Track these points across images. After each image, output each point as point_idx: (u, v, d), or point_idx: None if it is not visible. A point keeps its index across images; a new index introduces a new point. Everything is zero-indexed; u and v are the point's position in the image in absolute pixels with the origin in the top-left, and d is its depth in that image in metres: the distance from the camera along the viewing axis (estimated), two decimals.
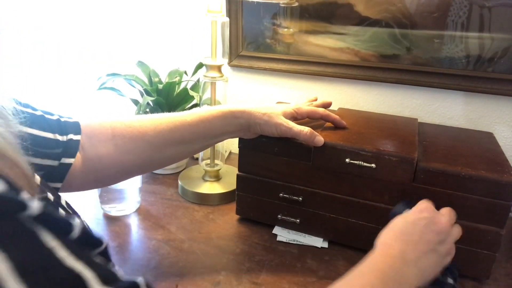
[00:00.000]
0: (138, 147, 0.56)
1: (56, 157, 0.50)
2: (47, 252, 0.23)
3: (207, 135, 0.61)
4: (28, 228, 0.22)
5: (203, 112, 0.60)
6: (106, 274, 0.25)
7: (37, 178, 0.37)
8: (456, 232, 0.50)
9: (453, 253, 0.49)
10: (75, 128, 0.53)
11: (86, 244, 0.28)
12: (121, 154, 0.55)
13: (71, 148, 0.51)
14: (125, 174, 0.60)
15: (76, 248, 0.24)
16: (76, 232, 0.26)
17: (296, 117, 0.66)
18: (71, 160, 0.51)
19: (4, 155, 0.28)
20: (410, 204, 0.53)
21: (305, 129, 0.61)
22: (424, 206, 0.50)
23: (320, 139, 0.61)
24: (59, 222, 0.25)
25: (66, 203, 0.40)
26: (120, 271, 0.28)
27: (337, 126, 0.68)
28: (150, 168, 0.64)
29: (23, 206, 0.23)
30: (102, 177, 0.57)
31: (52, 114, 0.52)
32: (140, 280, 0.27)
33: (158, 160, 0.60)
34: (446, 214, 0.50)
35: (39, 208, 0.23)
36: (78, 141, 0.52)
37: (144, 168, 0.62)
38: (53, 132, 0.50)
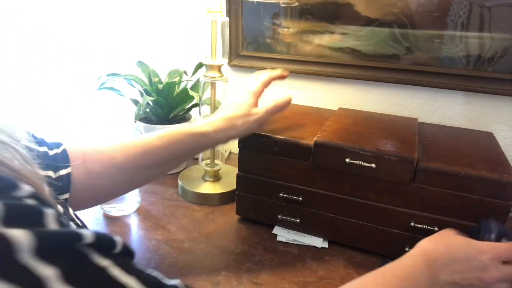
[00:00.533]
0: (108, 171, 0.55)
1: None
2: (102, 273, 0.25)
3: (179, 155, 0.60)
4: (85, 256, 0.25)
5: (174, 133, 0.58)
6: (153, 284, 0.29)
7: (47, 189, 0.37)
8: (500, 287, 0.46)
9: None
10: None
11: (126, 255, 0.30)
12: (92, 179, 0.53)
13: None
14: (99, 198, 0.58)
15: (124, 263, 0.27)
16: (118, 247, 0.28)
17: (260, 95, 0.66)
18: None
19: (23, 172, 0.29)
20: (502, 229, 0.51)
21: (270, 106, 0.62)
22: (491, 252, 0.47)
23: (286, 98, 0.64)
24: (106, 240, 0.27)
25: (75, 214, 0.40)
26: (159, 274, 0.31)
27: (283, 77, 0.68)
28: (123, 191, 0.62)
29: (79, 237, 0.25)
30: (76, 201, 0.54)
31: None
32: (178, 283, 0.31)
33: (130, 184, 0.59)
34: (502, 271, 0.46)
35: (91, 236, 0.25)
36: None
37: (117, 192, 0.60)
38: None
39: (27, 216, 0.24)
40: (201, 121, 0.61)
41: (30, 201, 0.25)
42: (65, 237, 0.24)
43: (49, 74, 1.15)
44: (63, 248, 0.24)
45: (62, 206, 0.37)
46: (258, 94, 0.64)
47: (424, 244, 0.48)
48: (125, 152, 0.56)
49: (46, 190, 0.31)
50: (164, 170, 0.62)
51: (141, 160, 0.56)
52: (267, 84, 0.66)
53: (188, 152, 0.61)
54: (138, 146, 0.57)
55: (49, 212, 0.25)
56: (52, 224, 0.25)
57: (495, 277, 0.46)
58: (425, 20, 0.78)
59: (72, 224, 0.34)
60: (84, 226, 0.39)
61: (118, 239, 0.28)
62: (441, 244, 0.47)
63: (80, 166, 0.53)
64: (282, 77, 0.68)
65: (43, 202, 0.26)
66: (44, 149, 0.50)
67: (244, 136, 0.65)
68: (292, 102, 0.90)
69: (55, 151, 0.51)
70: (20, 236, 0.22)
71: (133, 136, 0.59)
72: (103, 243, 0.27)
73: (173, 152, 0.58)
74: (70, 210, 0.39)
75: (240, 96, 0.64)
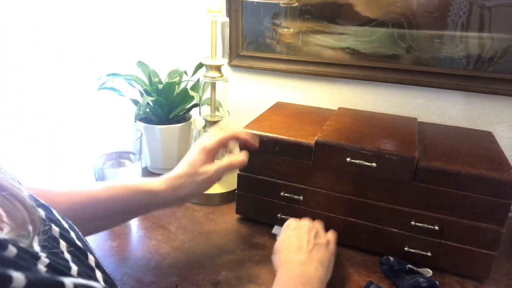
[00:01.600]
0: None
1: None
2: None
3: (124, 211, 0.56)
4: None
5: (120, 187, 0.55)
6: None
7: (41, 212, 0.34)
8: (330, 234, 0.60)
9: (332, 240, 0.59)
10: None
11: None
12: None
13: None
14: None
15: None
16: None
17: (215, 152, 0.61)
18: None
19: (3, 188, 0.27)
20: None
21: (223, 165, 0.59)
22: (290, 222, 0.61)
23: (241, 158, 0.61)
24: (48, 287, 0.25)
25: (77, 235, 0.37)
26: None
27: (249, 148, 0.63)
28: None
29: (7, 280, 0.23)
30: None
31: None
32: None
33: None
34: (306, 220, 0.61)
35: (24, 281, 0.23)
36: None
37: None
38: None
39: None
40: (152, 178, 0.57)
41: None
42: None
43: (49, 74, 1.15)
44: None
45: (61, 229, 0.35)
46: (212, 152, 0.60)
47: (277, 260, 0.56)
48: (68, 200, 0.52)
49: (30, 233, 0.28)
50: (109, 224, 0.58)
51: (84, 210, 0.53)
52: (223, 143, 0.61)
53: (134, 209, 0.57)
54: (83, 195, 0.53)
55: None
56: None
57: (306, 222, 0.60)
58: (425, 20, 0.78)
59: (66, 254, 0.32)
60: (84, 253, 0.36)
61: (68, 282, 0.26)
62: (279, 251, 0.56)
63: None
64: (247, 142, 0.64)
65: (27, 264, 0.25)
66: None
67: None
68: (292, 102, 0.90)
69: None
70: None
71: (80, 184, 0.56)
72: None
73: (118, 206, 0.55)
74: (73, 234, 0.37)
75: (191, 152, 0.60)
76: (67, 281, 0.26)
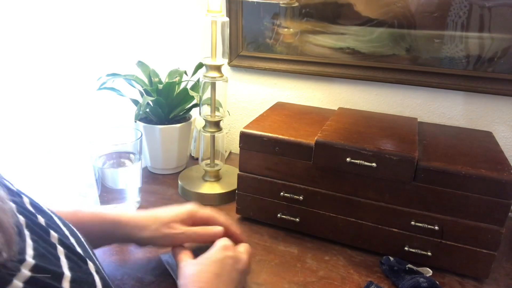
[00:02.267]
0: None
1: None
2: None
3: (90, 238, 0.52)
4: None
5: (87, 214, 0.54)
6: None
7: (41, 219, 0.34)
8: (244, 254, 0.54)
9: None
10: None
11: None
12: None
13: None
14: None
15: None
16: None
17: (192, 222, 0.58)
18: None
19: None
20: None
21: (198, 228, 0.57)
22: (225, 244, 0.53)
23: (219, 229, 0.57)
24: None
25: (78, 241, 0.37)
26: None
27: (237, 240, 0.59)
28: None
29: None
30: None
31: None
32: None
33: None
34: (246, 251, 0.55)
35: None
36: None
37: None
38: None
39: None
40: (127, 210, 0.56)
41: None
42: None
43: (49, 74, 1.15)
44: None
45: (56, 233, 0.34)
46: (197, 221, 0.58)
47: (187, 280, 0.48)
48: None
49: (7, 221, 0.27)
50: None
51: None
52: (208, 218, 0.59)
53: (99, 237, 0.55)
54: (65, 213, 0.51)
55: None
56: None
57: (247, 258, 0.54)
58: (425, 20, 0.78)
59: (62, 258, 0.32)
60: (83, 259, 0.35)
61: None
62: (198, 271, 0.49)
63: None
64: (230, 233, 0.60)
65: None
66: None
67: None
68: (292, 102, 0.90)
69: None
70: None
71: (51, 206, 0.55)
72: None
73: (83, 232, 0.52)
74: (72, 239, 0.36)
75: (181, 206, 0.59)
76: None
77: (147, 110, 0.87)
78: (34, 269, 0.27)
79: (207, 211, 0.60)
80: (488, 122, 0.81)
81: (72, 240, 0.36)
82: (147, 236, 0.55)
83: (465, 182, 0.56)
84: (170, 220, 0.56)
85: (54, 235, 0.34)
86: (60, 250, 0.33)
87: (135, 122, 0.87)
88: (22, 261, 0.27)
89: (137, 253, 0.63)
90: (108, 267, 0.60)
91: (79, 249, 0.36)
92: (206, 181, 0.83)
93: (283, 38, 0.91)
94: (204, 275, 0.48)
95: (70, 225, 0.39)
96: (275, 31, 0.91)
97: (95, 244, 0.56)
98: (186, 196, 0.80)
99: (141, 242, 0.57)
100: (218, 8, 0.73)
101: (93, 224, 0.54)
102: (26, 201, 0.35)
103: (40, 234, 0.32)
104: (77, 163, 0.93)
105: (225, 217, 0.60)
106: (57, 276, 0.30)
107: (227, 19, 0.76)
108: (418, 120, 0.76)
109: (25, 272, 0.27)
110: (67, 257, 0.33)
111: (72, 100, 1.14)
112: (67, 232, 0.37)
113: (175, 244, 0.57)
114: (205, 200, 0.78)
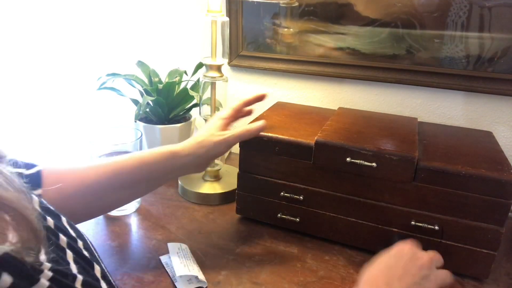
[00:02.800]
0: (79, 192, 0.54)
1: None
2: None
3: (149, 177, 0.59)
4: None
5: (144, 154, 0.59)
6: None
7: (50, 221, 0.34)
8: (444, 274, 0.49)
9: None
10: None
11: None
12: (64, 200, 0.52)
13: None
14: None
15: None
16: None
17: (231, 120, 0.66)
18: None
19: (10, 206, 0.27)
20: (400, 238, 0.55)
21: (239, 130, 0.62)
22: (407, 244, 0.51)
23: (262, 122, 0.63)
24: None
25: (85, 244, 0.37)
26: None
27: (259, 98, 0.69)
28: (93, 214, 0.60)
29: None
30: None
31: None
32: None
33: (100, 207, 0.58)
34: (430, 253, 0.50)
35: None
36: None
37: (86, 215, 0.59)
38: None
39: None
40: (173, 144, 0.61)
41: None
42: None
43: (49, 74, 1.15)
44: None
45: (68, 238, 0.35)
46: (228, 119, 0.64)
47: (362, 278, 0.47)
48: (95, 172, 0.55)
49: (34, 221, 0.28)
50: (135, 193, 0.61)
51: (111, 180, 0.55)
52: (238, 109, 0.66)
53: (159, 173, 0.59)
54: (109, 165, 0.56)
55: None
56: None
57: (429, 257, 0.48)
58: (425, 20, 0.78)
59: (72, 263, 0.32)
60: (90, 263, 0.36)
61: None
62: (371, 267, 0.47)
63: (54, 189, 0.52)
64: (259, 99, 0.69)
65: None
66: (18, 170, 0.48)
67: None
68: (292, 102, 0.90)
69: (30, 171, 0.49)
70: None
71: (106, 158, 0.59)
72: None
73: (144, 173, 0.58)
74: (80, 243, 0.37)
75: (209, 122, 0.65)
76: None
77: (147, 110, 0.87)
78: (52, 270, 0.28)
79: (228, 110, 0.65)
80: (488, 122, 0.81)
81: (80, 244, 0.36)
82: (204, 151, 0.60)
83: (465, 182, 0.56)
84: (212, 131, 0.61)
85: (63, 238, 0.34)
86: (69, 255, 0.33)
87: (135, 122, 0.87)
88: (42, 262, 0.28)
89: (137, 253, 0.63)
90: (108, 267, 0.59)
91: (86, 253, 0.36)
92: (206, 181, 0.83)
93: (283, 38, 0.91)
94: (374, 268, 0.47)
95: (76, 227, 0.39)
96: (275, 31, 0.91)
97: (155, 183, 0.61)
98: (186, 196, 0.80)
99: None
100: (218, 8, 0.73)
101: (153, 161, 0.58)
102: (35, 201, 0.34)
103: (49, 238, 0.32)
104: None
105: (241, 101, 0.67)
106: (73, 277, 0.30)
107: (227, 19, 0.76)
108: (418, 120, 0.76)
109: (47, 272, 0.27)
110: (75, 261, 0.33)
111: (72, 100, 1.15)
112: (74, 234, 0.37)
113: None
114: (205, 200, 0.78)
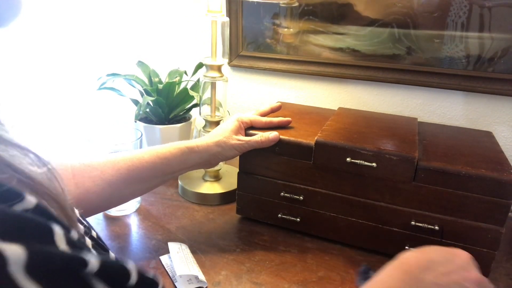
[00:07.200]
0: (97, 185, 0.55)
1: None
2: None
3: (165, 171, 0.61)
4: (89, 285, 0.23)
5: (161, 149, 0.60)
6: None
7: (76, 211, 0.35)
8: None
9: None
10: None
11: (144, 286, 0.28)
12: (81, 193, 0.54)
13: None
14: (85, 213, 0.58)
15: None
16: (133, 277, 0.26)
17: (250, 126, 0.68)
18: None
19: (47, 192, 0.27)
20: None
21: (257, 137, 0.64)
22: (466, 253, 0.46)
23: (275, 134, 0.64)
24: (118, 271, 0.25)
25: (97, 235, 0.39)
26: None
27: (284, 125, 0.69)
28: (108, 206, 0.63)
29: (84, 263, 0.23)
30: None
31: None
32: None
33: (117, 199, 0.60)
34: (482, 275, 0.44)
35: (98, 264, 0.23)
36: None
37: (102, 207, 0.61)
38: None
39: (29, 231, 0.22)
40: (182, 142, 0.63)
41: (36, 216, 0.23)
42: (64, 260, 0.22)
43: (49, 74, 1.15)
44: (60, 271, 0.22)
45: (84, 227, 0.35)
46: (245, 123, 0.66)
47: (402, 255, 0.45)
48: (114, 166, 0.57)
49: (66, 202, 0.29)
50: (149, 187, 0.63)
51: (128, 174, 0.57)
52: (256, 121, 0.68)
53: (174, 168, 0.61)
54: (127, 159, 0.58)
55: (57, 230, 0.23)
56: (59, 243, 0.23)
57: (477, 276, 0.43)
58: (425, 20, 0.78)
59: (90, 247, 0.32)
60: (106, 251, 0.37)
61: (131, 267, 0.26)
62: (417, 252, 0.46)
63: (71, 182, 0.53)
64: (273, 110, 0.72)
65: (51, 217, 0.24)
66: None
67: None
68: (292, 102, 0.90)
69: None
70: (13, 250, 0.20)
71: (123, 152, 0.60)
72: (113, 273, 0.24)
73: (161, 167, 0.59)
74: (94, 233, 0.37)
75: (227, 121, 0.67)
76: (131, 266, 0.26)
77: (147, 110, 0.87)
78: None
79: (248, 116, 0.68)
80: (488, 122, 0.81)
81: (93, 233, 0.37)
82: (217, 151, 0.63)
83: (465, 182, 0.56)
84: (229, 133, 0.63)
85: (80, 227, 0.34)
86: (88, 242, 0.33)
87: (135, 122, 0.87)
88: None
89: (137, 253, 0.63)
90: None
91: (100, 242, 0.37)
92: (206, 181, 0.83)
93: (283, 38, 0.91)
94: (422, 253, 0.45)
95: (87, 220, 0.40)
96: (275, 31, 0.91)
97: (169, 176, 0.63)
98: (186, 196, 0.80)
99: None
100: (218, 8, 0.73)
101: (169, 155, 0.60)
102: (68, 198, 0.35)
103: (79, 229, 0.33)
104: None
105: (264, 118, 0.68)
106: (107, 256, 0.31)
107: (227, 19, 0.76)
108: (418, 120, 0.76)
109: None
110: (94, 248, 0.33)
111: (72, 99, 1.15)
112: (87, 225, 0.37)
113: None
114: (205, 200, 0.78)
